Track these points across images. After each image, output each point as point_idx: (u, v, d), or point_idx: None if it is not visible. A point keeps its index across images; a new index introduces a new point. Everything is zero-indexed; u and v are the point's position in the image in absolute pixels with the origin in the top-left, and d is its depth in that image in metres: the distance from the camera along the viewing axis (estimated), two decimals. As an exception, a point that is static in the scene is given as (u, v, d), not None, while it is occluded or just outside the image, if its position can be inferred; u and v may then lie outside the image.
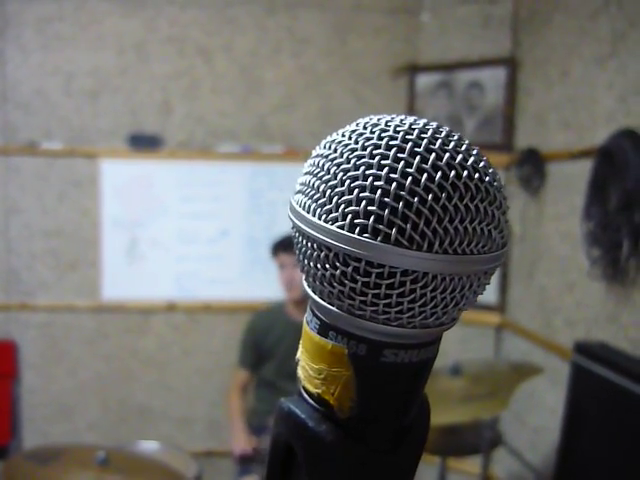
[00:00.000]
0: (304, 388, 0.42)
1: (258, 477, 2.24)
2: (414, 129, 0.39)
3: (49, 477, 2.08)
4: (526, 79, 2.74)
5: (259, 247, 3.05)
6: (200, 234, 3.07)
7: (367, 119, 0.42)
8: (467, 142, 0.40)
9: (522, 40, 2.78)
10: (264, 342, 2.76)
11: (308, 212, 0.40)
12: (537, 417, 2.55)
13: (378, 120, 0.41)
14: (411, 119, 0.40)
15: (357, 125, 0.41)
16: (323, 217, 0.39)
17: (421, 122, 0.40)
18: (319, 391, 0.41)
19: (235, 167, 3.05)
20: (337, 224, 0.38)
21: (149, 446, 2.70)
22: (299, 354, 0.43)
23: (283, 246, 2.72)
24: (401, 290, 0.37)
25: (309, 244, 0.40)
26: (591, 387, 2.04)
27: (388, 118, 0.41)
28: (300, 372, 0.43)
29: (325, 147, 0.42)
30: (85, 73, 2.98)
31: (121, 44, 2.98)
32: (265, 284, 3.01)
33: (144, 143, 3.01)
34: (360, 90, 3.09)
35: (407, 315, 0.38)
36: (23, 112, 2.98)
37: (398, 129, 0.39)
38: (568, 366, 2.15)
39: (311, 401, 0.42)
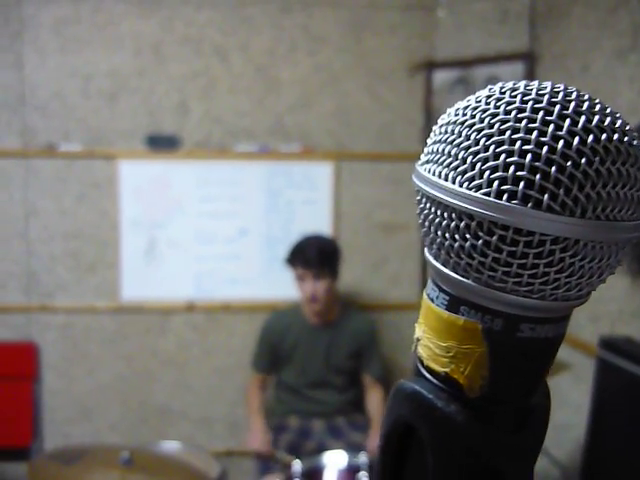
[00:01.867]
0: (427, 368, 0.40)
1: (280, 476, 2.23)
2: (558, 92, 0.38)
3: (73, 477, 2.09)
4: (545, 74, 2.72)
5: (278, 246, 3.04)
6: (218, 234, 3.07)
7: (500, 85, 0.40)
8: (609, 105, 0.39)
9: (540, 34, 2.76)
10: (281, 344, 2.75)
11: (446, 180, 0.38)
12: (562, 413, 2.53)
13: (514, 85, 0.39)
14: (549, 83, 0.39)
15: (491, 91, 0.40)
16: (465, 185, 0.37)
17: (561, 86, 0.39)
18: (447, 370, 0.39)
19: (253, 166, 3.05)
20: (482, 191, 0.37)
21: (171, 446, 2.71)
22: (420, 332, 0.42)
23: (302, 261, 2.65)
24: (549, 259, 0.36)
25: (445, 214, 0.38)
26: (617, 382, 2.02)
27: (524, 82, 0.40)
28: (422, 351, 0.41)
29: (458, 114, 0.40)
30: (103, 75, 2.99)
31: (138, 45, 2.99)
32: (284, 283, 3.00)
33: (162, 144, 3.01)
34: (376, 88, 3.08)
35: (551, 287, 0.37)
36: (41, 114, 2.99)
37: (541, 92, 0.38)
38: (592, 362, 2.13)
39: (435, 381, 0.40)
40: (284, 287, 2.98)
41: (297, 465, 2.02)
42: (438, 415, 0.38)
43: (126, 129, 3.02)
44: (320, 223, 3.03)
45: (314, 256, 2.61)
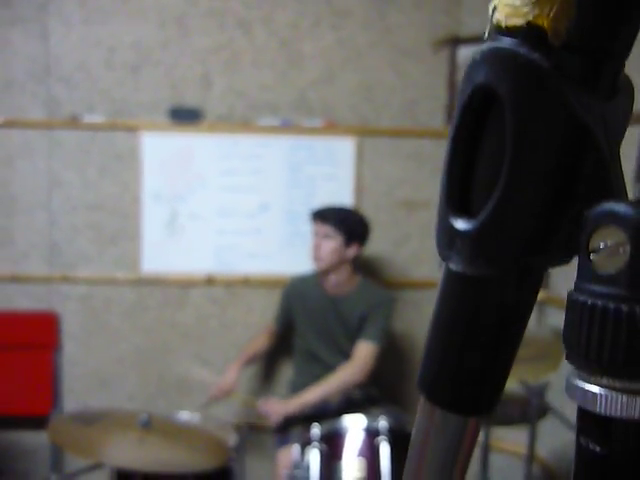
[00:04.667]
0: (507, 28, 0.36)
1: (297, 445, 2.21)
2: None
3: (93, 437, 2.10)
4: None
5: (298, 221, 3.03)
6: (240, 208, 3.07)
7: None
8: None
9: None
10: (293, 307, 2.83)
11: None
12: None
13: None
14: None
15: None
16: None
17: None
18: (529, 18, 0.35)
19: (275, 141, 3.05)
20: None
21: (189, 415, 2.71)
22: (495, 1, 0.38)
23: (319, 215, 2.74)
24: None
25: None
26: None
27: None
28: (500, 15, 0.36)
29: None
30: (126, 46, 3.00)
31: (162, 17, 2.99)
32: (304, 258, 2.99)
33: (184, 116, 3.01)
34: (400, 63, 3.06)
35: None
36: (65, 86, 3.00)
37: None
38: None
39: (516, 39, 0.35)
40: (304, 262, 2.96)
41: (316, 429, 2.02)
42: (520, 62, 0.34)
43: (149, 101, 3.02)
44: (341, 199, 3.01)
45: (330, 214, 2.69)
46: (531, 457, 2.35)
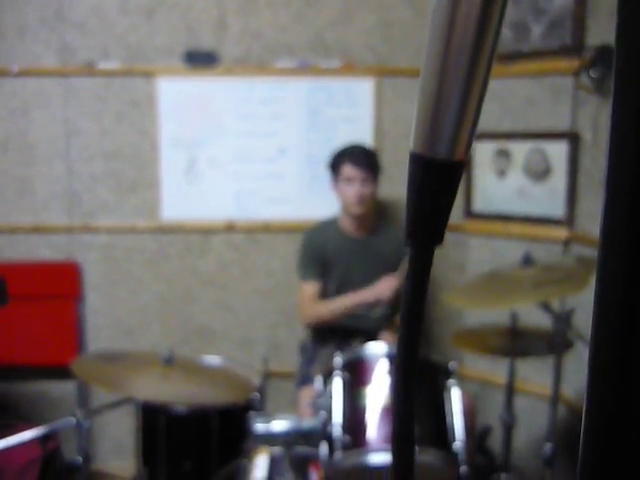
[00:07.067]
0: None
1: (320, 376, 2.18)
2: None
3: (117, 373, 2.10)
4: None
5: (318, 165, 2.99)
6: (258, 152, 3.03)
7: None
8: None
9: None
10: (324, 254, 2.73)
11: None
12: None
13: None
14: None
15: None
16: None
17: None
18: None
19: (292, 83, 2.99)
20: None
21: (212, 358, 2.71)
22: None
23: (352, 158, 2.64)
24: None
25: None
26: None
27: None
28: None
29: None
30: (140, -10, 2.95)
31: (175, -41, 2.93)
32: (324, 203, 2.95)
33: (200, 60, 2.97)
34: (419, 0, 2.98)
35: None
36: (80, 32, 2.97)
37: None
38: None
39: None
40: (324, 207, 2.93)
41: (338, 358, 1.99)
42: None
43: (164, 45, 2.98)
44: (361, 141, 2.96)
45: (364, 157, 2.64)
46: (556, 394, 2.31)
